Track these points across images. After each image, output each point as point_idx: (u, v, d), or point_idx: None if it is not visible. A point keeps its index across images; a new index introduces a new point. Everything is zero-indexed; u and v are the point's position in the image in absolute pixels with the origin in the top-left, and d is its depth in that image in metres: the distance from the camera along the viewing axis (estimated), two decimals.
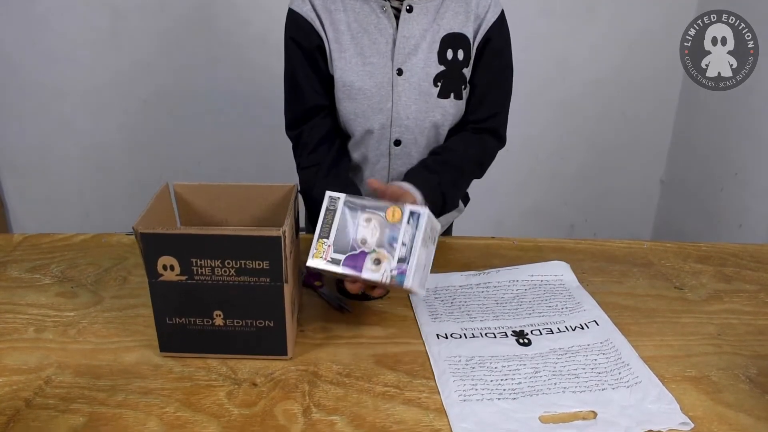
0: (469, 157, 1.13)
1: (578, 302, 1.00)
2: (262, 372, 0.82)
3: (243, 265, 0.78)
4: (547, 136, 2.44)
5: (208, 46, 2.20)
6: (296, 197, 0.91)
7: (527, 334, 0.91)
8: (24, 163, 2.33)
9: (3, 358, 0.84)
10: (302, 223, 1.29)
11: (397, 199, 0.93)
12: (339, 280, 1.01)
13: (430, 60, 1.07)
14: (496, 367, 0.82)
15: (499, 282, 1.05)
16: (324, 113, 1.11)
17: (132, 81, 2.23)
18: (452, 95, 1.10)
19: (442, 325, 0.93)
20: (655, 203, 2.62)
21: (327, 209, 0.84)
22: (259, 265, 0.77)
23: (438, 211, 1.07)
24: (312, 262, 0.83)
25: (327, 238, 0.83)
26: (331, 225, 0.83)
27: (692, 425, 0.72)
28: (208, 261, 0.77)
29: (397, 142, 1.12)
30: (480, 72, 1.12)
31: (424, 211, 0.83)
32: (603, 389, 0.78)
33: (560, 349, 0.87)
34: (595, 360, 0.85)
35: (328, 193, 0.85)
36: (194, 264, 0.78)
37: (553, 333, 0.91)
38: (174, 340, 0.83)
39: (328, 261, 0.83)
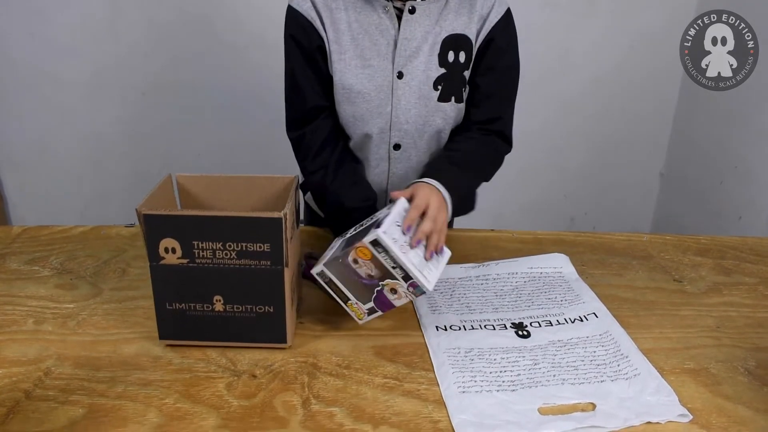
0: (484, 160, 1.12)
1: (577, 294, 1.00)
2: (262, 363, 0.82)
3: (244, 248, 0.78)
4: (548, 129, 2.44)
5: (207, 39, 2.19)
6: (297, 188, 0.91)
7: (526, 326, 0.91)
8: (23, 155, 2.33)
9: (2, 349, 0.84)
10: (301, 215, 1.28)
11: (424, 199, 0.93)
12: None
13: (430, 63, 1.05)
14: (495, 359, 0.83)
15: (498, 274, 1.05)
16: (325, 114, 1.09)
17: (131, 74, 2.23)
18: (453, 98, 1.08)
19: (441, 316, 0.93)
20: (655, 196, 2.62)
21: (325, 284, 0.87)
22: (260, 247, 0.78)
23: (456, 208, 1.03)
24: (362, 322, 0.89)
25: (348, 299, 0.87)
26: (341, 290, 0.86)
27: (691, 417, 0.73)
28: (210, 243, 0.78)
29: (397, 146, 1.11)
30: (483, 72, 1.09)
31: (383, 213, 0.89)
32: (602, 381, 0.79)
33: (559, 341, 0.87)
34: (594, 352, 0.85)
35: (314, 273, 0.87)
36: (196, 246, 0.78)
37: (552, 325, 0.91)
38: (174, 327, 0.83)
39: (367, 314, 0.87)
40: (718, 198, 2.23)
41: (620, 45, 2.33)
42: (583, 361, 0.83)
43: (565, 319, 0.93)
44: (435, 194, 0.94)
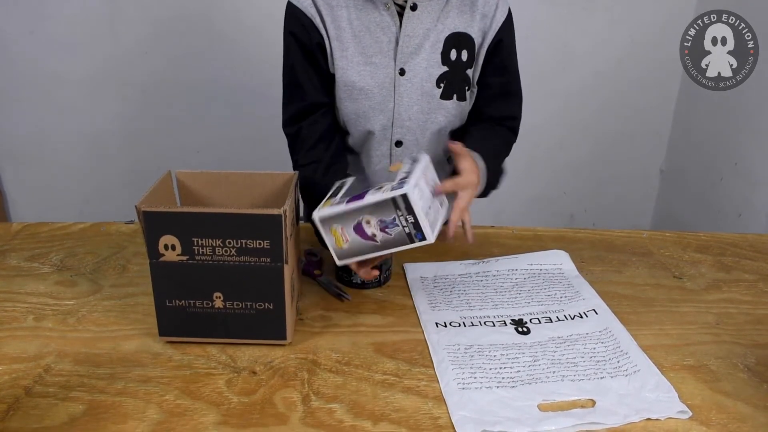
0: (507, 149, 1.16)
1: (577, 291, 1.00)
2: (262, 360, 0.82)
3: (244, 245, 0.78)
4: (547, 126, 2.43)
5: (207, 35, 2.19)
6: (296, 185, 0.91)
7: (526, 322, 0.91)
8: (22, 152, 2.33)
9: (2, 346, 0.84)
10: (301, 213, 1.28)
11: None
12: (339, 268, 1.01)
13: (433, 60, 1.05)
14: (495, 356, 0.83)
15: (498, 271, 1.05)
16: (323, 110, 1.08)
17: (131, 71, 2.22)
18: (455, 97, 1.08)
19: (441, 313, 0.93)
20: (655, 193, 2.62)
21: (337, 187, 0.87)
22: (259, 244, 0.78)
23: (488, 183, 1.04)
24: (318, 213, 0.84)
25: (335, 196, 0.86)
26: (340, 189, 0.86)
27: (690, 414, 0.73)
28: (210, 240, 0.78)
29: (399, 144, 1.11)
30: (496, 72, 1.10)
31: (425, 157, 0.89)
32: (601, 378, 0.79)
33: (559, 337, 0.87)
34: (594, 349, 0.85)
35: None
36: (195, 243, 0.78)
37: (552, 322, 0.91)
38: (173, 323, 0.83)
39: (332, 206, 0.83)
40: (718, 195, 2.23)
41: (620, 41, 2.33)
42: (582, 357, 0.83)
43: (565, 316, 0.93)
44: (476, 184, 0.96)
